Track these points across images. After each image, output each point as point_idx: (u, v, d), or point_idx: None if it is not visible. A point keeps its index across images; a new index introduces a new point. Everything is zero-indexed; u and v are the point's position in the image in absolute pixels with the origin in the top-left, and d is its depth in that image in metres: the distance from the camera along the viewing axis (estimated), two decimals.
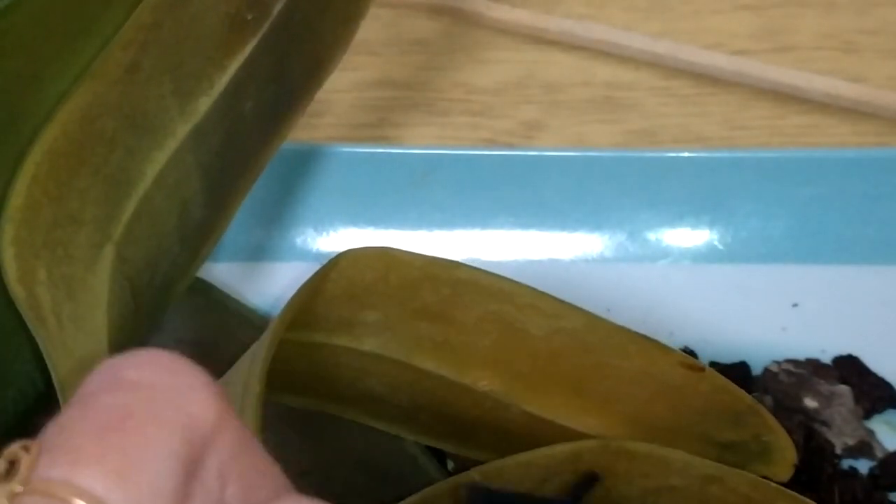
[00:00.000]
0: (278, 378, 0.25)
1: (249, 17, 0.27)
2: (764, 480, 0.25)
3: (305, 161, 0.34)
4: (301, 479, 0.28)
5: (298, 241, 0.34)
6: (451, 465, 0.29)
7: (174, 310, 0.29)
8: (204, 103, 0.27)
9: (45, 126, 0.24)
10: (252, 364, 0.23)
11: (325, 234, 0.34)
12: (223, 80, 0.27)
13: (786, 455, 0.27)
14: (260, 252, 0.34)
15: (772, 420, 0.27)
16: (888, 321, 0.32)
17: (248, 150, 0.29)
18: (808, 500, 0.25)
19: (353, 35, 0.31)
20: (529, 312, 0.25)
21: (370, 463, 0.28)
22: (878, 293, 0.33)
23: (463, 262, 0.33)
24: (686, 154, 0.34)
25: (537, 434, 0.26)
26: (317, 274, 0.25)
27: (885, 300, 0.32)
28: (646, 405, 0.26)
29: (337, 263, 0.25)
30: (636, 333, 0.25)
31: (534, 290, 0.25)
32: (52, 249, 0.24)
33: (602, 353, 0.25)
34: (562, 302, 0.25)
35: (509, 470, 0.25)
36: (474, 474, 0.25)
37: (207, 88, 0.27)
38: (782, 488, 0.25)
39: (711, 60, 0.38)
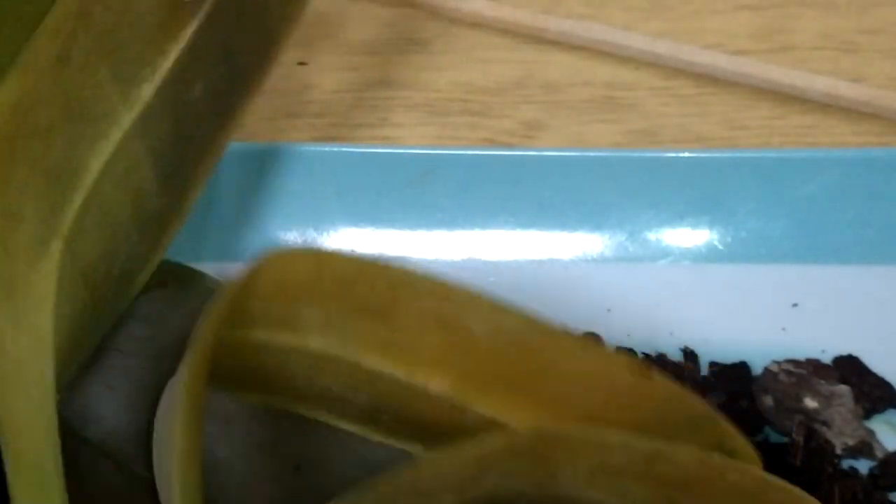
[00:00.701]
0: (228, 376, 0.25)
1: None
2: (711, 454, 0.24)
3: (305, 161, 0.34)
4: (294, 474, 0.28)
5: (299, 241, 0.34)
6: None
7: (163, 299, 0.29)
8: (147, 89, 0.26)
9: None
10: (181, 370, 0.23)
11: (325, 234, 0.34)
12: (165, 66, 0.26)
13: (750, 460, 0.26)
14: (260, 252, 0.34)
15: (729, 427, 0.26)
16: (888, 321, 0.32)
17: (202, 135, 0.28)
18: (751, 466, 0.24)
19: (304, 7, 0.30)
20: (468, 310, 0.25)
21: (367, 458, 0.28)
22: (878, 293, 0.33)
23: (462, 260, 0.34)
24: (686, 154, 0.34)
25: None
26: (244, 272, 0.24)
27: (885, 300, 0.32)
28: (600, 409, 0.25)
29: (264, 262, 0.25)
30: (580, 336, 0.25)
31: (469, 289, 0.25)
32: None
33: (547, 354, 0.25)
34: (499, 301, 0.25)
35: (441, 464, 0.24)
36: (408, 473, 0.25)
37: (150, 74, 0.26)
38: (730, 460, 0.25)
39: (712, 60, 0.38)
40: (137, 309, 0.29)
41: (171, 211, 0.28)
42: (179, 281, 0.29)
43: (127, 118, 0.26)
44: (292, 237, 0.34)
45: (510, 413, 0.26)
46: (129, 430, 0.27)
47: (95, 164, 0.25)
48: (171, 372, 0.28)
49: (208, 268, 0.31)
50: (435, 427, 0.26)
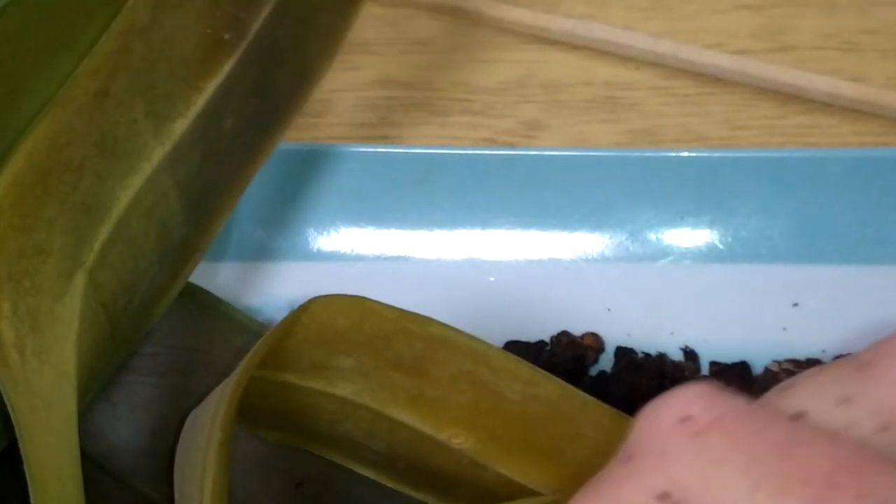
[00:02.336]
0: (254, 414, 0.25)
1: (227, 37, 0.26)
2: None
3: (305, 161, 0.34)
4: (297, 490, 0.28)
5: (299, 241, 0.34)
6: None
7: (164, 316, 0.29)
8: (180, 125, 0.26)
9: (10, 155, 0.23)
10: (219, 403, 0.23)
11: (325, 234, 0.34)
12: (199, 102, 0.26)
13: None
14: (260, 252, 0.34)
15: None
16: (888, 321, 0.32)
17: (230, 167, 0.29)
18: None
19: (340, 47, 0.30)
20: (504, 376, 0.25)
21: (372, 480, 0.28)
22: (878, 293, 0.33)
23: (462, 260, 0.34)
24: (686, 154, 0.34)
25: (515, 497, 0.25)
26: (287, 317, 0.24)
27: (885, 300, 0.32)
28: None
29: (308, 307, 0.25)
30: (610, 408, 0.25)
31: (508, 354, 0.25)
32: (17, 282, 0.23)
33: (577, 424, 0.25)
34: (536, 369, 0.25)
35: None
36: None
37: (183, 110, 0.26)
38: None
39: (712, 60, 0.38)
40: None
41: (195, 241, 0.28)
42: (179, 297, 0.29)
43: (157, 153, 0.26)
44: (292, 237, 0.34)
45: (531, 476, 0.25)
46: (130, 446, 0.27)
47: (124, 198, 0.25)
48: (175, 391, 0.28)
49: (204, 267, 0.31)
50: (451, 480, 0.26)
